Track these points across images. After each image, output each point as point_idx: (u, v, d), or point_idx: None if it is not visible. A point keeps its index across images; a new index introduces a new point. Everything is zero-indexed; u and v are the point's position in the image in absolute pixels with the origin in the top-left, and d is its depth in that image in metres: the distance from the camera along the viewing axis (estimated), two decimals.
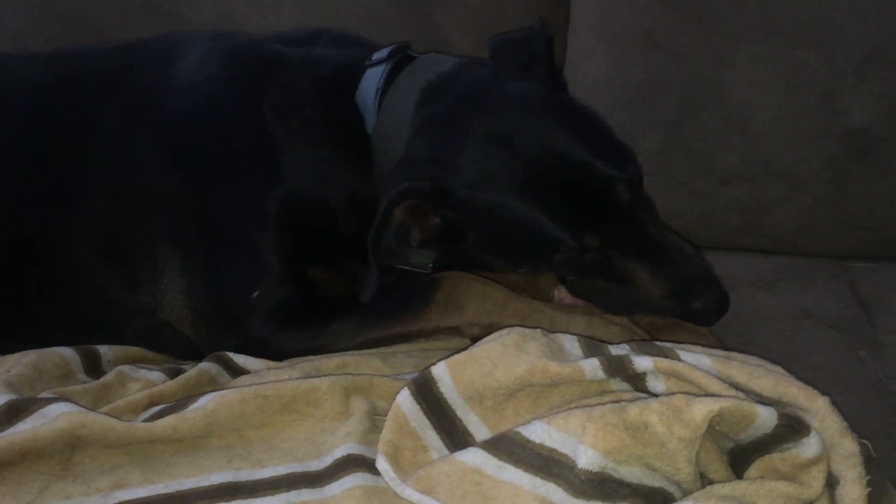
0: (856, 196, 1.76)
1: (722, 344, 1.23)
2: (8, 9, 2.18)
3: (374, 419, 1.06)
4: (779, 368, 0.97)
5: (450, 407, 0.99)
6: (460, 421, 0.99)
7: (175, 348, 1.37)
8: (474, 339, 1.17)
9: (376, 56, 1.37)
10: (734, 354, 1.00)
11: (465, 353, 1.01)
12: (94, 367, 1.26)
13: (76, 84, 1.46)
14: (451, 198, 1.21)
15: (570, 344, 1.05)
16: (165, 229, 1.34)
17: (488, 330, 1.16)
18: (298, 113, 1.35)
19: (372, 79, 1.34)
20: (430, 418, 0.99)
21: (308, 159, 1.34)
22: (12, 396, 1.06)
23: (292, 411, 1.07)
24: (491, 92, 1.28)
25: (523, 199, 1.18)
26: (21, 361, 1.19)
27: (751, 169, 1.80)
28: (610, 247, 1.19)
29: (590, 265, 1.21)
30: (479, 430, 0.99)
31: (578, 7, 1.95)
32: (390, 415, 0.99)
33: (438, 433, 0.98)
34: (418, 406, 0.99)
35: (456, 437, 0.98)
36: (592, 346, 1.04)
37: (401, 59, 1.36)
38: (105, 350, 1.29)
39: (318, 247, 1.35)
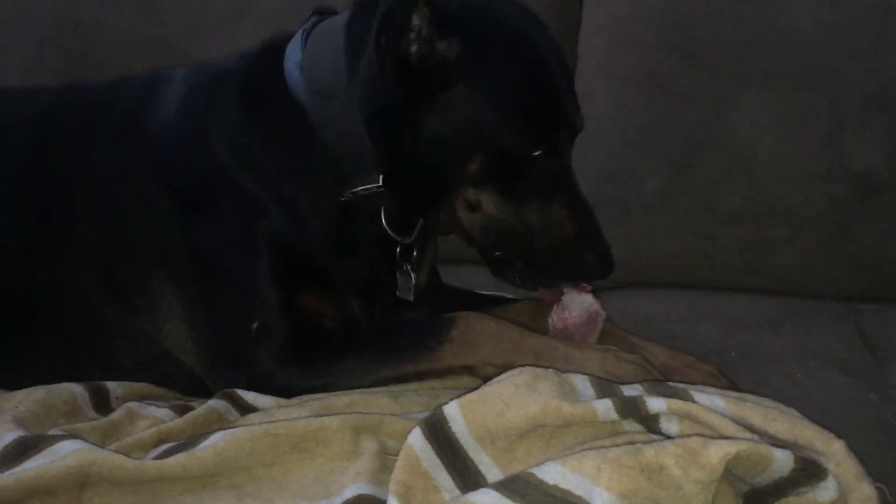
0: (860, 238, 1.78)
1: (734, 385, 1.22)
2: (17, 44, 2.20)
3: (384, 459, 1.05)
4: (793, 411, 0.97)
5: (461, 447, 0.98)
6: (472, 461, 0.98)
7: (177, 381, 1.37)
8: (487, 379, 1.16)
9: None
10: (748, 396, 1.00)
11: (476, 392, 1.00)
12: (102, 404, 1.25)
13: (73, 114, 1.48)
14: (468, 23, 1.23)
15: (583, 384, 1.04)
16: (158, 257, 1.34)
17: (503, 369, 1.15)
18: (235, 136, 1.34)
19: (296, 36, 1.36)
20: (441, 458, 0.97)
21: (258, 181, 1.32)
22: (22, 433, 1.05)
23: (302, 450, 1.06)
24: None
25: (548, 62, 1.27)
26: (30, 397, 1.18)
27: (755, 210, 1.82)
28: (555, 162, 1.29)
29: (533, 178, 1.27)
30: (491, 470, 0.98)
31: (584, 48, 1.98)
32: (401, 454, 0.98)
33: (450, 474, 0.97)
34: (430, 446, 0.98)
35: (468, 477, 0.97)
36: (605, 386, 1.04)
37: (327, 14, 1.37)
38: (114, 387, 1.28)
39: (302, 268, 1.34)
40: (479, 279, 1.72)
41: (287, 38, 1.38)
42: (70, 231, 1.39)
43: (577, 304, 1.34)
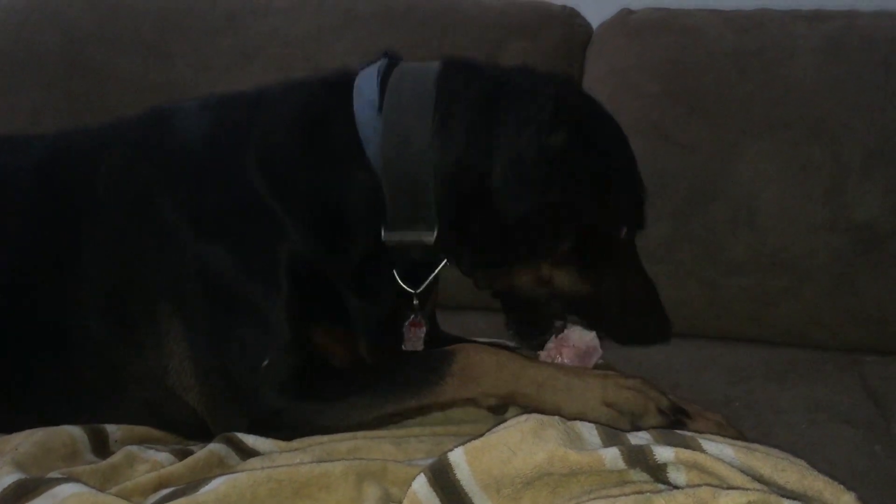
0: (863, 289, 1.78)
1: (742, 435, 1.21)
2: (26, 86, 2.22)
3: None
4: (802, 462, 0.96)
5: (467, 495, 0.97)
6: None
7: (181, 424, 1.34)
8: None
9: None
10: (757, 446, 0.99)
11: (482, 438, 0.99)
12: (101, 447, 1.23)
13: (74, 153, 1.48)
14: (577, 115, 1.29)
15: (589, 432, 1.03)
16: (165, 289, 1.31)
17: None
18: (279, 159, 1.33)
19: (369, 73, 1.34)
20: None
21: (296, 211, 1.30)
22: (20, 476, 1.03)
23: (305, 496, 1.04)
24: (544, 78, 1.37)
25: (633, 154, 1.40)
26: (29, 440, 1.16)
27: (758, 260, 1.82)
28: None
29: (608, 256, 1.37)
30: None
31: None
32: (406, 502, 0.97)
33: None
34: (434, 493, 0.97)
35: None
36: (611, 434, 1.03)
37: (395, 62, 1.36)
38: (113, 429, 1.26)
39: (318, 304, 1.32)
40: (478, 326, 1.72)
41: (348, 77, 1.36)
42: (74, 266, 1.36)
43: (578, 337, 1.40)
